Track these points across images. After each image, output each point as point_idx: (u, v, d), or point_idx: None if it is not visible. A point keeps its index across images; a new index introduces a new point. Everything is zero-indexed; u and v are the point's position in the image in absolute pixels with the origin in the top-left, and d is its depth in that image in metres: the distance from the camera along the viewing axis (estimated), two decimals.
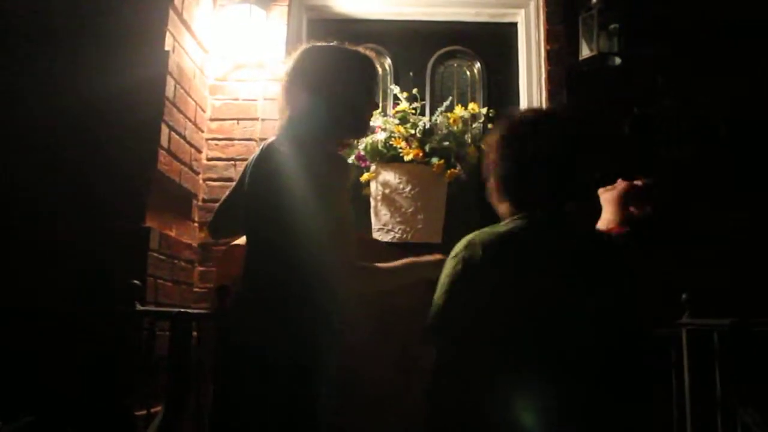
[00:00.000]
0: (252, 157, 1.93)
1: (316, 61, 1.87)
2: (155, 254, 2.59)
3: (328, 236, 1.70)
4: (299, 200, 1.71)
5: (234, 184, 2.01)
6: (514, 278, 1.51)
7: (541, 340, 1.48)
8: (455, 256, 1.56)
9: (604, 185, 2.72)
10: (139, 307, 2.23)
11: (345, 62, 1.88)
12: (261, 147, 1.90)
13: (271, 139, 1.89)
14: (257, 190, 1.84)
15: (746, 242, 3.01)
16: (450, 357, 1.54)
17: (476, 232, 1.58)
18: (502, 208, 1.66)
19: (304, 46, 1.91)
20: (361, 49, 1.92)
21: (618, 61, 3.22)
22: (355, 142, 2.97)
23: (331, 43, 1.91)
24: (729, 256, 2.97)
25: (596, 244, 1.64)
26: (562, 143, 1.64)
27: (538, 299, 1.49)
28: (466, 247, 1.55)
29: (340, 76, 1.85)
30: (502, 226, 1.59)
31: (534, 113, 1.82)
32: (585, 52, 3.23)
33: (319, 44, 1.92)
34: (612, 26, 3.20)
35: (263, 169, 1.84)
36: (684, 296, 2.26)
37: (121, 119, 2.60)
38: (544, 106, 3.19)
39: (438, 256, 1.94)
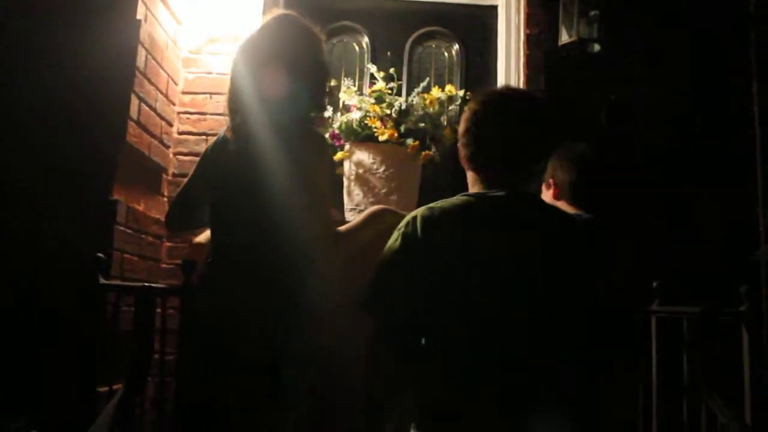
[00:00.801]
0: (216, 139, 1.93)
1: (275, 40, 1.88)
2: (122, 228, 2.53)
3: (308, 210, 1.70)
4: (278, 174, 1.72)
5: (189, 178, 1.99)
6: (454, 253, 1.51)
7: (482, 317, 1.48)
8: (398, 229, 1.57)
9: None
10: (103, 281, 2.18)
11: (301, 37, 1.90)
12: (223, 129, 1.90)
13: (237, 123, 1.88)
14: (236, 163, 1.83)
15: (719, 230, 3.05)
16: (382, 329, 1.55)
17: (422, 207, 1.58)
18: (469, 176, 1.68)
19: (259, 25, 1.92)
20: (301, 18, 1.92)
21: (597, 47, 3.22)
22: (330, 120, 2.93)
23: (276, 15, 1.92)
24: (702, 243, 3.01)
25: (555, 222, 1.63)
26: (534, 125, 1.64)
27: (479, 273, 1.49)
28: (408, 222, 1.56)
29: (297, 48, 1.88)
30: (449, 201, 1.59)
31: (514, 91, 1.81)
32: (564, 37, 3.23)
33: (271, 20, 1.91)
34: (592, 13, 3.20)
35: (240, 147, 1.82)
36: (655, 283, 2.27)
37: (90, 89, 2.51)
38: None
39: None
